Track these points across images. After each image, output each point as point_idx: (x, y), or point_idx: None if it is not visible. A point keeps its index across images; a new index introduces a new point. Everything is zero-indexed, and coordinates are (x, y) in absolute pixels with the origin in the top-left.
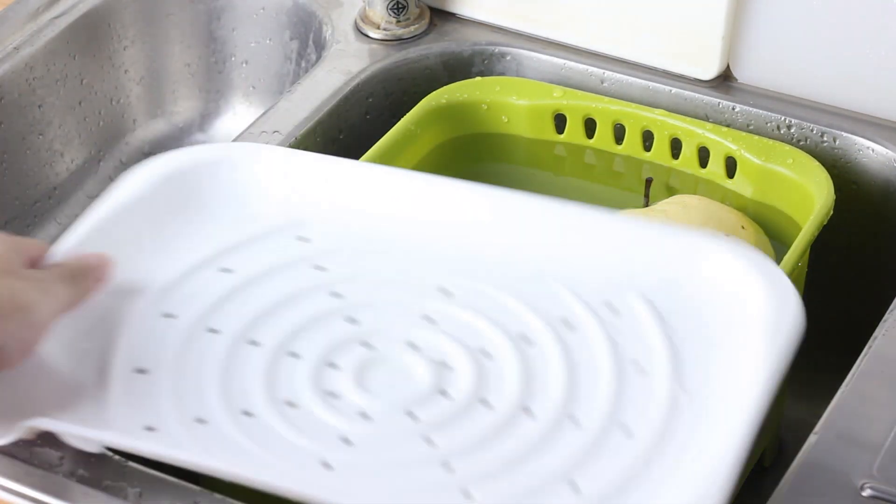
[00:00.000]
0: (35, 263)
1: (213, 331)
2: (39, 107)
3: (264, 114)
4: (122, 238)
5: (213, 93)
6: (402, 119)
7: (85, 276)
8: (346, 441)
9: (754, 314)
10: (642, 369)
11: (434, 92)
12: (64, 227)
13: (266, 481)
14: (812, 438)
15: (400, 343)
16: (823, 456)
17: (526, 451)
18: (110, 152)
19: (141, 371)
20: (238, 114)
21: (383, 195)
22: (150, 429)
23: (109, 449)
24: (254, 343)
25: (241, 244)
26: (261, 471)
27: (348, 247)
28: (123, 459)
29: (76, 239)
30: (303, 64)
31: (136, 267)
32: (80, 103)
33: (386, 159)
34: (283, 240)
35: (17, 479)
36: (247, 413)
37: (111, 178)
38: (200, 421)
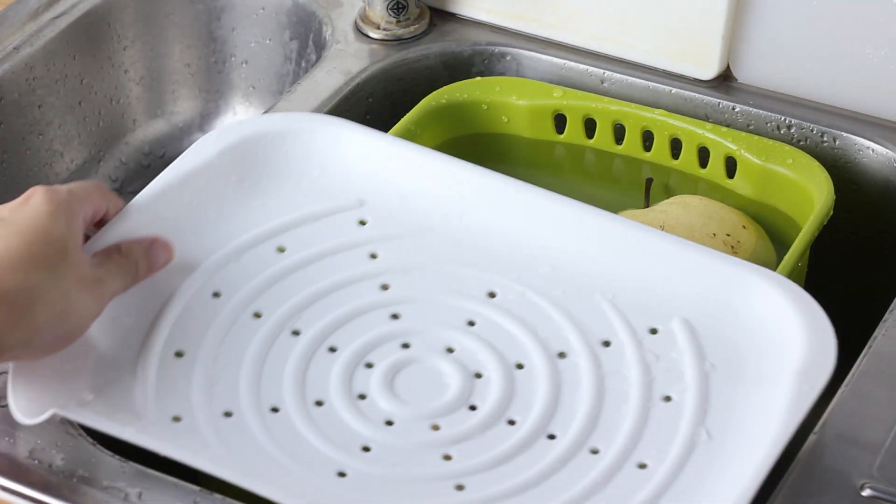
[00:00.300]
0: (101, 222)
1: (257, 315)
2: (39, 107)
3: (264, 114)
4: (186, 207)
5: (213, 93)
6: (402, 119)
7: (143, 264)
8: (366, 448)
9: (790, 355)
10: (669, 402)
11: (434, 92)
12: None
13: (275, 496)
14: (812, 438)
15: (438, 347)
16: (823, 456)
17: (539, 478)
18: (110, 152)
19: (179, 354)
20: (238, 114)
21: (448, 186)
22: (176, 419)
23: (107, 444)
24: (295, 332)
25: (301, 222)
26: (272, 485)
27: (404, 235)
28: (123, 459)
29: (142, 204)
30: (303, 64)
31: (197, 239)
32: (80, 103)
33: None
34: (341, 221)
35: (17, 479)
36: (274, 409)
37: (111, 178)
38: (227, 414)
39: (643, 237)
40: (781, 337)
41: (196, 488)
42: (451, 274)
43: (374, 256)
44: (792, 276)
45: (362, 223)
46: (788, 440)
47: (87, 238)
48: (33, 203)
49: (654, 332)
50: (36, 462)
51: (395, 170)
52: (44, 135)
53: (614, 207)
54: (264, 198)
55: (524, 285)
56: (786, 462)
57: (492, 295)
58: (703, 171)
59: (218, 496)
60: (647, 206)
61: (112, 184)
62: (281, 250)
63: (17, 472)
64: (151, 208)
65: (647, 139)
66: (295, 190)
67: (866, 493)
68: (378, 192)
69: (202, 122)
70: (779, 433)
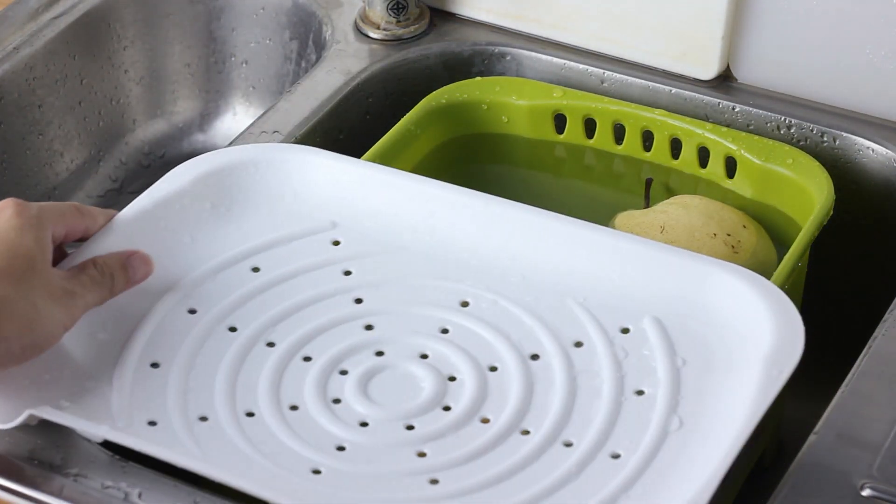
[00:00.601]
0: (82, 240)
1: (232, 329)
2: (39, 107)
3: (264, 114)
4: (161, 232)
5: (213, 93)
6: (402, 119)
7: (120, 277)
8: (341, 448)
9: (759, 344)
10: (642, 395)
11: (434, 92)
12: None
13: (244, 486)
14: (812, 438)
15: (412, 354)
16: (823, 456)
17: (513, 470)
18: (110, 152)
19: (154, 365)
20: (238, 114)
21: (417, 204)
22: (152, 423)
23: (107, 444)
24: (270, 344)
25: (275, 244)
26: (243, 475)
27: (377, 252)
28: (123, 459)
29: (116, 228)
30: (303, 64)
31: (172, 262)
32: (80, 103)
33: (386, 159)
34: (315, 242)
35: (17, 479)
36: (249, 414)
37: (111, 178)
38: (203, 418)
39: (611, 241)
40: (750, 328)
41: (196, 488)
42: (424, 286)
43: (347, 273)
44: (792, 276)
45: (335, 243)
46: (758, 422)
47: (66, 256)
48: (2, 217)
49: (625, 331)
50: (36, 462)
51: (365, 192)
52: (44, 135)
53: (614, 208)
54: (238, 223)
55: (496, 294)
56: (786, 462)
57: (464, 304)
58: (703, 171)
59: (218, 497)
60: (647, 206)
61: (112, 184)
62: (255, 270)
63: (18, 472)
64: (126, 232)
65: (647, 139)
66: (268, 215)
67: (866, 493)
68: (350, 214)
69: (202, 122)
70: (749, 416)
